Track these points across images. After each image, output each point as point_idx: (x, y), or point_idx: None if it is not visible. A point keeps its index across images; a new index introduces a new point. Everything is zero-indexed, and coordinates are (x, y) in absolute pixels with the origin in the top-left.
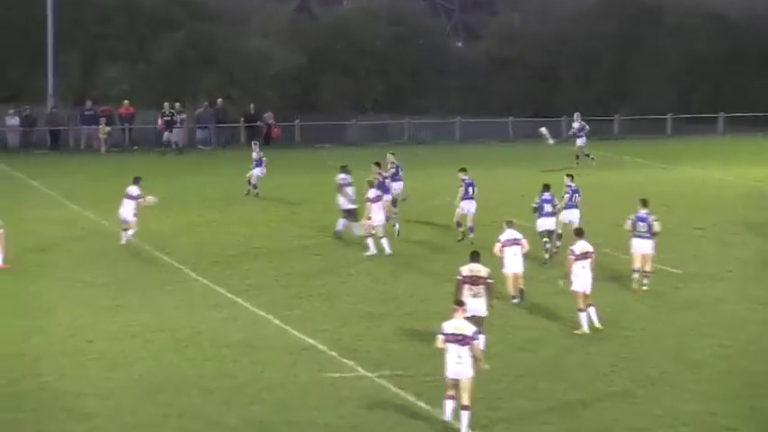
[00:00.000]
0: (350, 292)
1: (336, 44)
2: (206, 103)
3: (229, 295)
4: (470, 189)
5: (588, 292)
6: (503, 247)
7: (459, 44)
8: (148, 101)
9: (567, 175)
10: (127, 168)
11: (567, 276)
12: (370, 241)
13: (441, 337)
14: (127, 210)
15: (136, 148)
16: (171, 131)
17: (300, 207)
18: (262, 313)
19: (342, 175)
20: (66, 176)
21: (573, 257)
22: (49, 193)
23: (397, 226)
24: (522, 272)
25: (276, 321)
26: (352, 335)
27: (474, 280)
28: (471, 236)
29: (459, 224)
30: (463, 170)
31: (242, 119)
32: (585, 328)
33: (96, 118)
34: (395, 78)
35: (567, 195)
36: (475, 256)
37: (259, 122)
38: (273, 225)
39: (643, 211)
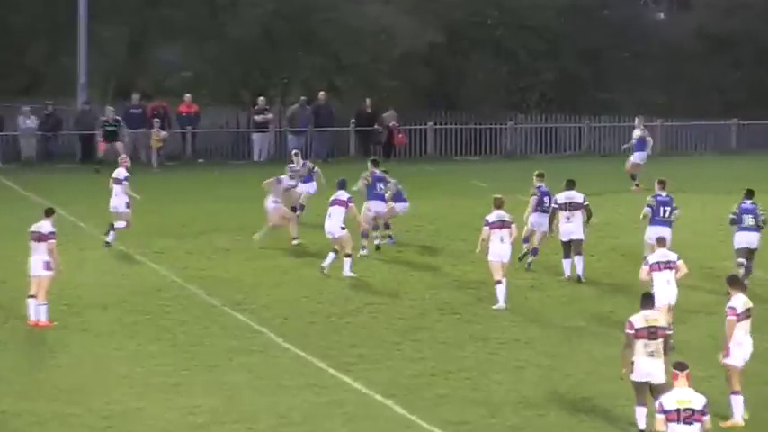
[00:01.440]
0: (501, 368)
1: (486, 16)
2: (302, 98)
3: (331, 371)
4: (546, 199)
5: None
6: (490, 229)
7: (661, 15)
8: (220, 95)
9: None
10: (188, 190)
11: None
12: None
13: (660, 416)
14: (118, 199)
15: (201, 161)
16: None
17: (437, 246)
18: (378, 397)
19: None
20: (104, 202)
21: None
22: (80, 226)
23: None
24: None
25: (398, 409)
26: (506, 428)
27: (651, 332)
28: (530, 259)
29: (526, 239)
30: (540, 176)
31: (352, 121)
32: None
33: (146, 118)
34: (568, 64)
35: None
36: (646, 301)
37: (377, 126)
38: (397, 272)
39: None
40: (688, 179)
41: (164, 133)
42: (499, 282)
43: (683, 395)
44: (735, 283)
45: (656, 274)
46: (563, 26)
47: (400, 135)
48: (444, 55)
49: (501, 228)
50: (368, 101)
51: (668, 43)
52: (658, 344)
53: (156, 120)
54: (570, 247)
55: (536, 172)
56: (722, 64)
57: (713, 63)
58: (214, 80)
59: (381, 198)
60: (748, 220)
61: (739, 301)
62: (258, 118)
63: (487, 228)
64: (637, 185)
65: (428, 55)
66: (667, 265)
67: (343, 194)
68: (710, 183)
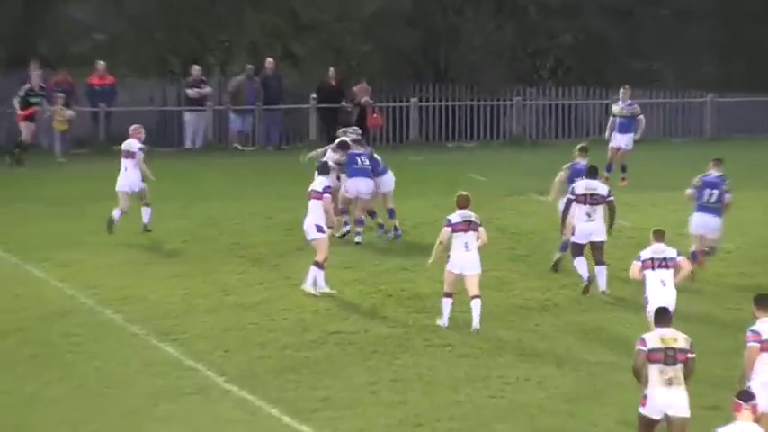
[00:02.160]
0: (506, 416)
1: None
2: (249, 67)
3: (286, 419)
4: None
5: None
6: (453, 232)
7: None
8: (143, 63)
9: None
10: (102, 186)
11: None
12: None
13: None
14: (133, 175)
15: (118, 148)
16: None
17: (422, 257)
18: None
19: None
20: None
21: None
22: None
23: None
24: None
25: None
26: None
27: (669, 355)
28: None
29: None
30: (583, 151)
31: (313, 96)
32: None
33: (47, 94)
34: (592, 23)
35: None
36: (662, 317)
37: (345, 103)
38: (371, 290)
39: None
40: (745, 170)
41: (69, 112)
42: (448, 295)
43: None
44: (764, 304)
45: (648, 274)
46: None
47: (375, 115)
48: (432, 11)
49: (466, 230)
50: (333, 71)
51: None
52: (677, 370)
53: (60, 95)
54: (584, 250)
55: (579, 146)
56: None
57: None
58: (135, 44)
59: (365, 174)
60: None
61: (766, 325)
62: (192, 92)
63: (449, 229)
64: (622, 177)
65: (411, 11)
66: (663, 263)
67: (319, 183)
68: None
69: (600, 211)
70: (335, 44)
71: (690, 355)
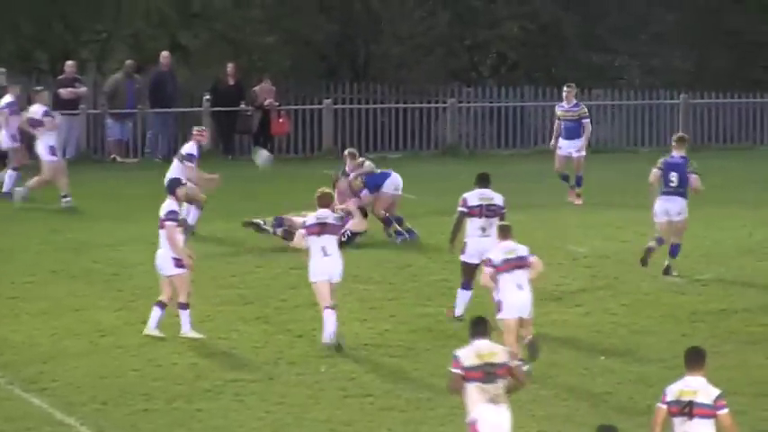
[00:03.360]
0: None
1: None
2: (128, 63)
3: None
4: (672, 175)
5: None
6: (308, 234)
7: None
8: (3, 58)
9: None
10: None
11: None
12: None
13: None
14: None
15: None
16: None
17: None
18: None
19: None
20: None
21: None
22: None
23: None
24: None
25: None
26: None
27: (488, 373)
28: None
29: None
30: (681, 141)
31: (206, 98)
32: None
33: None
34: (542, 10)
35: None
36: (478, 327)
37: (244, 105)
38: (275, 330)
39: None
40: (722, 185)
41: None
42: (329, 308)
43: None
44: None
45: (503, 277)
46: None
47: (280, 120)
48: None
49: (320, 233)
50: (230, 67)
51: None
52: (498, 387)
53: None
54: (474, 273)
55: (677, 136)
56: None
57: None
58: None
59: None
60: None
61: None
62: (65, 92)
63: (304, 232)
64: (576, 193)
65: None
66: (519, 263)
67: (164, 207)
68: (762, 194)
69: (496, 225)
70: (233, 36)
71: (513, 365)
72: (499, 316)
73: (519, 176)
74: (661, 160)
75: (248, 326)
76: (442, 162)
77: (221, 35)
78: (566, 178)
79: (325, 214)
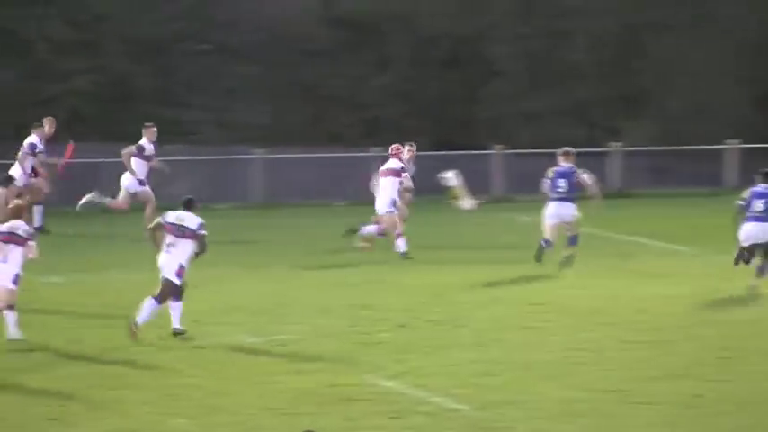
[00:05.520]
0: None
1: None
2: None
3: None
4: (561, 182)
5: None
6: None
7: None
8: None
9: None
10: None
11: None
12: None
13: None
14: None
15: None
16: None
17: None
18: None
19: None
20: None
21: None
22: None
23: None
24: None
25: None
26: None
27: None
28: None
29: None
30: (567, 154)
31: None
32: None
33: None
34: (113, 61)
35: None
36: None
37: None
38: None
39: None
40: (299, 241)
41: None
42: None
43: None
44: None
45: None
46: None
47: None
48: None
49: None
50: None
51: (275, 28)
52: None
53: None
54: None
55: (563, 150)
56: (364, 63)
57: (348, 60)
58: None
59: None
60: (758, 205)
61: None
62: None
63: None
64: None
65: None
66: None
67: None
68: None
69: (183, 245)
70: None
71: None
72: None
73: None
74: (552, 169)
75: None
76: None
77: None
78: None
79: (17, 225)
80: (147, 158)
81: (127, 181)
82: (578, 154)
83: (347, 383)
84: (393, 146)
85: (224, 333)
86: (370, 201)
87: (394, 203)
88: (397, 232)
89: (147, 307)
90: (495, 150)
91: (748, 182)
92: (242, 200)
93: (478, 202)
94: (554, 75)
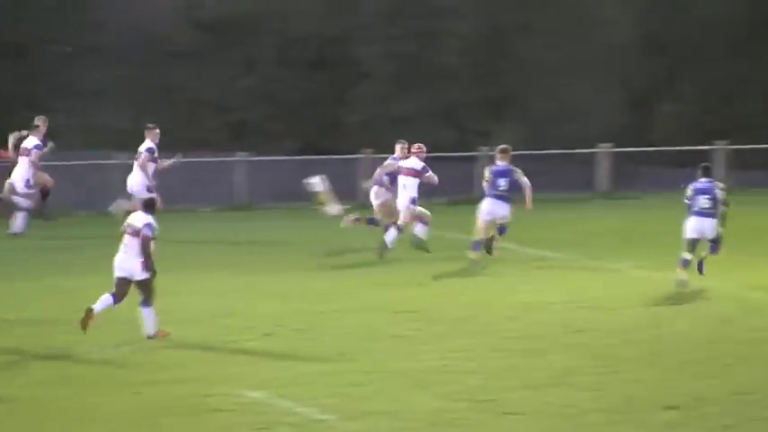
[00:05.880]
0: None
1: None
2: None
3: None
4: (502, 181)
5: None
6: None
7: None
8: None
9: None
10: None
11: None
12: None
13: None
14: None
15: None
16: None
17: None
18: None
19: None
20: None
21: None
22: None
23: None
24: None
25: None
26: None
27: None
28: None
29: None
30: (504, 152)
31: None
32: None
33: None
34: None
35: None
36: None
37: None
38: None
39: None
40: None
41: None
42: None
43: None
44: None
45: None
46: None
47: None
48: None
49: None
50: None
51: (144, 29)
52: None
53: None
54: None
55: (500, 147)
56: (231, 64)
57: (215, 62)
58: None
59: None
60: (703, 201)
61: None
62: None
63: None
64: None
65: None
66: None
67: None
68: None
69: (135, 245)
70: None
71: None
72: None
73: None
74: (489, 168)
75: None
76: None
77: None
78: None
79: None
80: (156, 160)
81: (137, 186)
82: (447, 158)
83: (212, 393)
84: (415, 145)
85: (82, 343)
86: (238, 206)
87: (413, 201)
88: (399, 222)
89: (104, 300)
90: (364, 154)
91: (622, 186)
92: (102, 207)
93: (345, 207)
94: (423, 76)
